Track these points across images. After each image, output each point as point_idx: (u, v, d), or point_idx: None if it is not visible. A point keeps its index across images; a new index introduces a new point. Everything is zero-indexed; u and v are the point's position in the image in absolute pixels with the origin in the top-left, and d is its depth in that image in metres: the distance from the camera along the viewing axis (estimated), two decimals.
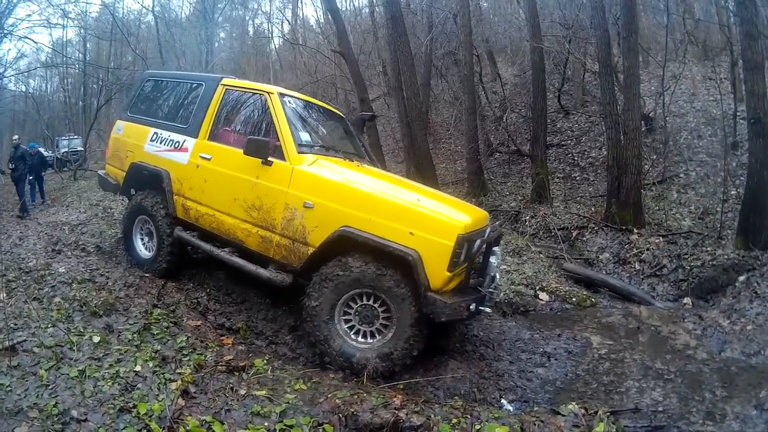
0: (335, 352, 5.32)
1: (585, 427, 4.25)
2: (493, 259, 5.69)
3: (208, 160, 6.52)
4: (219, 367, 4.74)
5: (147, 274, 7.06)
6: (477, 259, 5.54)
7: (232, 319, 6.49)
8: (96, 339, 4.81)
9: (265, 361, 5.13)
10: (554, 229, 13.20)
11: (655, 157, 15.83)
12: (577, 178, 16.90)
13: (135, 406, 3.76)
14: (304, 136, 6.19)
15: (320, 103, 7.59)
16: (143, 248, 7.57)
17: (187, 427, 3.61)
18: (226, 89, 6.85)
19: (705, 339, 7.29)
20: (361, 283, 5.19)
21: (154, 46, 35.34)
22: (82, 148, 30.50)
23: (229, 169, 6.22)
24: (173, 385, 4.14)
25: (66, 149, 31.14)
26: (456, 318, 5.00)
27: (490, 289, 5.57)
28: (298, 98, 6.81)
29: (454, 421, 4.06)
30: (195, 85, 7.32)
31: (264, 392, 4.30)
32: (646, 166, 14.71)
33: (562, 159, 18.21)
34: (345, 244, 5.25)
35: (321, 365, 5.40)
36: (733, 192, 12.10)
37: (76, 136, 34.42)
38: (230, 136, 6.62)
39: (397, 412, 4.03)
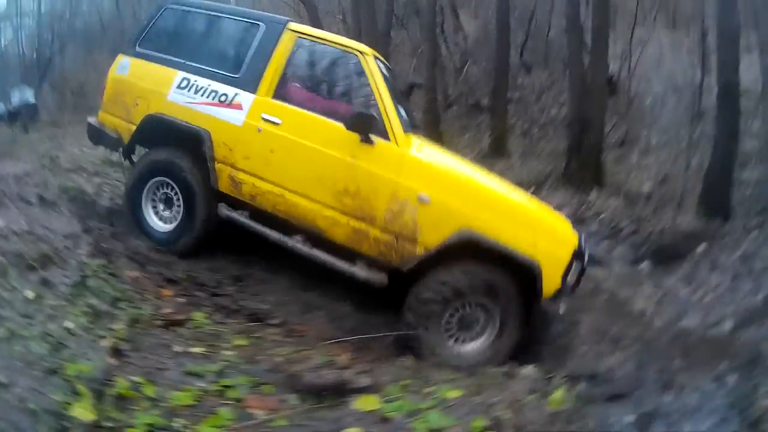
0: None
1: (542, 391, 4.09)
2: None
3: (277, 124, 5.35)
4: (155, 322, 4.37)
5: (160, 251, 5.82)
6: None
7: (172, 269, 5.67)
8: (30, 295, 4.14)
9: (204, 315, 4.75)
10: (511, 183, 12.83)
11: (616, 119, 15.69)
12: (536, 135, 16.67)
13: (64, 367, 3.29)
14: (401, 111, 5.61)
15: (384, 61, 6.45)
16: (157, 220, 6.01)
17: (117, 389, 3.22)
18: (298, 37, 5.64)
19: (663, 306, 7.06)
20: (478, 293, 4.88)
21: None
22: (34, 101, 29.06)
23: (312, 141, 5.21)
24: (104, 343, 3.72)
25: (18, 101, 29.73)
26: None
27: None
28: (377, 57, 5.81)
29: (404, 382, 3.89)
30: (246, 24, 5.90)
31: (201, 349, 4.02)
32: (608, 128, 14.60)
33: (521, 115, 17.98)
34: (464, 247, 4.82)
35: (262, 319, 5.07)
36: (694, 161, 11.97)
37: (28, 88, 32.86)
38: (304, 98, 5.59)
39: (341, 371, 3.87)
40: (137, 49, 6.18)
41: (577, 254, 4.94)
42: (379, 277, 5.09)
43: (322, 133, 5.19)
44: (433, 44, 17.93)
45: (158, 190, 5.99)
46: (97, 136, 6.32)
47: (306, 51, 5.72)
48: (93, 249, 5.41)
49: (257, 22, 5.82)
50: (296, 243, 5.29)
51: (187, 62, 5.88)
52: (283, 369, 3.83)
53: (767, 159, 12.03)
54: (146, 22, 6.43)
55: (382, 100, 5.17)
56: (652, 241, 9.56)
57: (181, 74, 5.82)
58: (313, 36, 5.65)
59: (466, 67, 20.05)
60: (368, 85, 5.28)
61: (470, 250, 4.81)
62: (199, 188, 5.66)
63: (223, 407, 3.25)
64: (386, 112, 5.12)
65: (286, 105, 5.41)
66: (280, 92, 5.50)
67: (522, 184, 12.23)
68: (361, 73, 5.36)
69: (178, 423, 3.01)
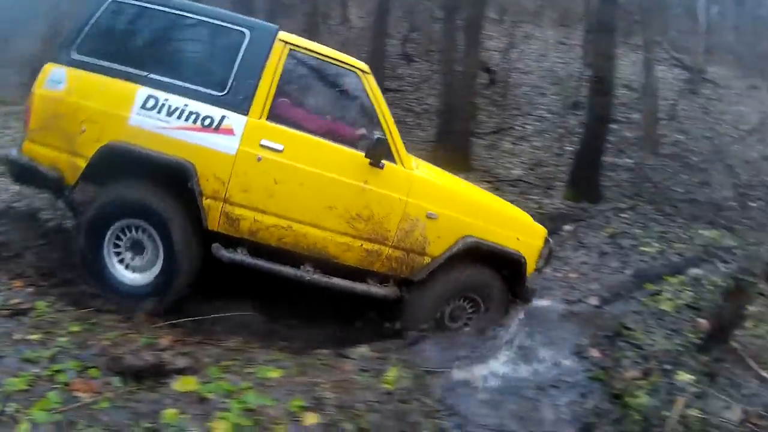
0: None
1: (375, 371, 4.19)
2: None
3: (279, 152, 4.69)
4: (2, 312, 4.13)
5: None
6: None
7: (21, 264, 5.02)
8: None
9: (48, 303, 4.39)
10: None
11: (494, 108, 15.99)
12: (411, 123, 16.61)
13: None
14: None
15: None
16: (124, 270, 4.81)
17: None
18: (291, 50, 4.84)
19: None
20: (472, 288, 5.35)
21: None
22: None
23: (322, 169, 4.75)
24: None
25: None
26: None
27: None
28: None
29: (225, 363, 3.87)
30: (225, 29, 4.85)
31: (38, 336, 3.84)
32: (483, 117, 14.99)
33: (397, 104, 17.87)
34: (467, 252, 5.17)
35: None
36: (568, 148, 12.29)
37: None
38: (303, 119, 4.97)
39: (161, 353, 3.78)
40: (74, 55, 4.65)
41: (546, 241, 5.59)
42: (393, 291, 5.11)
43: (331, 160, 4.79)
44: (312, 34, 17.44)
45: (123, 233, 4.75)
46: (26, 174, 4.81)
47: (300, 66, 5.05)
48: None
49: (240, 28, 4.82)
50: (311, 275, 4.85)
51: (151, 75, 4.66)
52: (109, 352, 3.69)
53: (645, 147, 12.91)
54: (84, 18, 4.77)
55: (386, 122, 4.94)
56: None
57: (145, 90, 4.59)
58: (309, 49, 4.91)
59: None
60: (370, 104, 4.97)
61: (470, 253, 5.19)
62: (184, 233, 4.66)
63: (52, 391, 3.22)
64: (391, 133, 4.94)
65: (287, 129, 4.73)
66: (276, 113, 4.76)
67: None
68: (361, 91, 5.00)
69: (11, 408, 3.02)
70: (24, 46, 22.67)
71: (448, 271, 5.14)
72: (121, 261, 4.73)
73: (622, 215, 9.52)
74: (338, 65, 4.96)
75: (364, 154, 4.72)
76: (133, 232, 4.70)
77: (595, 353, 5.04)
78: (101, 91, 4.54)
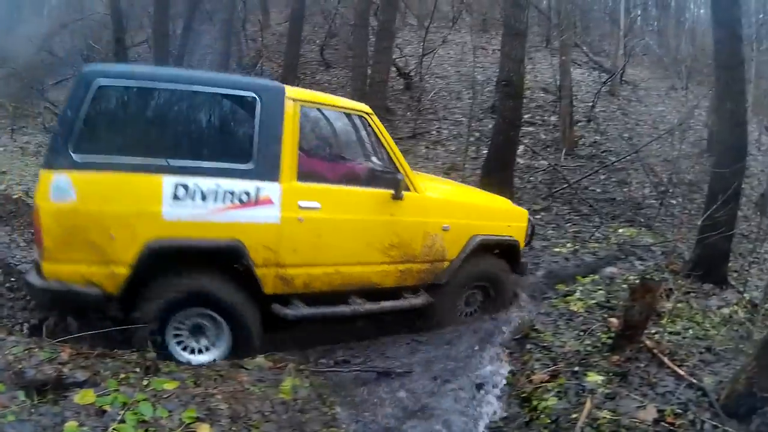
0: None
1: (272, 381, 4.22)
2: None
3: (317, 209, 4.89)
4: None
5: None
6: None
7: None
8: None
9: None
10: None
11: (409, 114, 15.95)
12: None
13: None
14: None
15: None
16: (188, 354, 4.67)
17: None
18: (302, 106, 4.90)
19: None
20: (484, 277, 6.06)
21: None
22: None
23: (356, 214, 5.17)
24: None
25: None
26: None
27: None
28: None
29: (123, 376, 3.77)
30: (233, 98, 4.66)
31: None
32: (398, 122, 15.04)
33: None
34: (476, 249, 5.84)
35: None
36: (485, 152, 12.01)
37: None
38: (327, 170, 5.36)
39: (61, 366, 3.69)
40: (75, 157, 4.14)
41: (529, 220, 6.41)
42: (426, 297, 5.63)
43: (362, 203, 5.19)
44: (227, 40, 18.38)
45: (181, 323, 4.60)
46: (62, 300, 4.32)
47: (312, 119, 5.51)
48: None
49: (249, 94, 4.65)
50: (364, 306, 5.31)
51: (171, 161, 4.36)
52: (13, 367, 3.63)
53: (562, 148, 13.21)
54: (71, 111, 4.21)
55: (395, 156, 5.30)
56: None
57: (170, 179, 4.32)
58: (316, 102, 5.21)
59: (260, 62, 19.90)
60: (380, 143, 5.38)
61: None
62: (247, 307, 4.69)
63: None
64: (403, 167, 5.32)
65: (318, 185, 4.99)
66: (304, 171, 4.92)
67: None
68: (371, 132, 5.44)
69: None
70: None
71: (464, 267, 5.77)
72: (184, 346, 4.63)
73: (536, 217, 9.46)
74: (345, 111, 5.43)
75: (390, 193, 5.17)
76: (190, 318, 4.62)
77: (504, 356, 5.15)
78: (121, 190, 4.24)
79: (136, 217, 4.23)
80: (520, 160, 11.69)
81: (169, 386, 3.76)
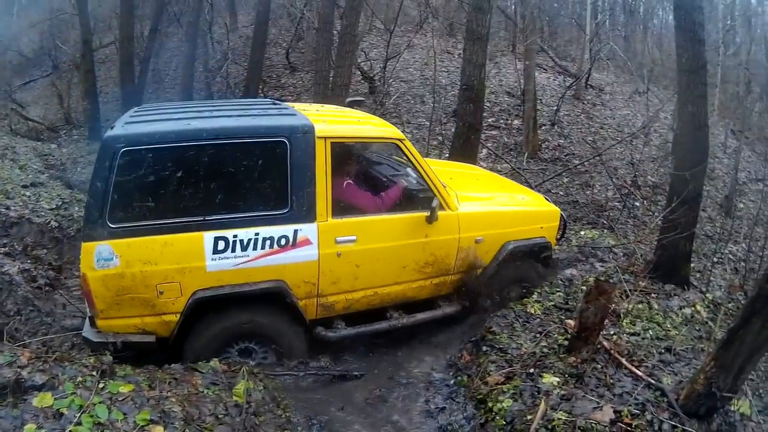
0: None
1: (226, 384, 4.21)
2: None
3: (353, 242, 5.04)
4: None
5: None
6: None
7: None
8: None
9: None
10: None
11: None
12: None
13: None
14: None
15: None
16: None
17: None
18: (332, 143, 4.90)
19: None
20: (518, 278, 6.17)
21: None
22: None
23: (391, 241, 5.28)
24: None
25: None
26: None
27: None
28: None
29: (80, 379, 3.76)
30: (263, 144, 4.61)
31: None
32: None
33: None
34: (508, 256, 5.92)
35: None
36: (447, 155, 11.85)
37: None
38: (361, 202, 5.37)
39: (20, 370, 3.72)
40: (112, 227, 4.26)
41: (561, 218, 6.42)
42: (459, 304, 5.76)
43: (397, 230, 5.27)
44: (193, 42, 18.02)
45: (229, 350, 4.92)
46: (122, 348, 4.45)
47: (343, 155, 5.45)
48: None
49: (278, 139, 4.65)
50: (401, 320, 5.48)
51: (208, 218, 4.49)
52: None
53: (524, 152, 13.36)
54: (99, 181, 4.23)
55: (430, 179, 5.37)
56: None
57: (210, 235, 4.48)
58: (346, 137, 5.24)
59: (226, 64, 19.55)
60: (413, 167, 5.43)
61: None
62: (292, 333, 5.01)
63: None
64: (437, 188, 5.37)
65: (353, 218, 5.09)
66: (338, 207, 5.02)
67: None
68: (403, 158, 5.51)
69: None
70: None
71: (498, 272, 5.87)
72: None
73: None
74: (376, 141, 5.77)
75: (425, 215, 5.23)
76: (241, 345, 4.93)
77: (463, 359, 5.25)
78: (163, 251, 4.38)
79: (181, 274, 4.43)
80: (482, 164, 11.63)
81: (125, 389, 3.79)
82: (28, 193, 8.99)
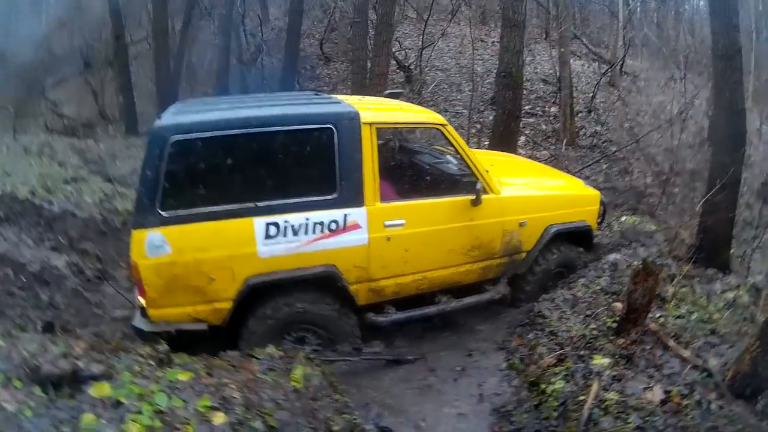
0: None
1: (283, 370, 4.22)
2: None
3: (401, 225, 5.11)
4: None
5: None
6: None
7: None
8: None
9: None
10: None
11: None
12: None
13: None
14: None
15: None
16: None
17: None
18: (377, 128, 5.02)
19: None
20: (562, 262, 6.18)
21: None
22: None
23: (438, 224, 5.32)
24: None
25: None
26: None
27: None
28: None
29: (137, 368, 3.79)
30: (310, 131, 4.72)
31: None
32: None
33: None
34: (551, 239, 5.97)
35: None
36: (486, 143, 12.00)
37: None
38: (408, 187, 5.69)
39: (76, 360, 3.68)
40: (163, 214, 4.36)
41: (601, 202, 6.45)
42: (505, 288, 5.84)
43: (443, 214, 5.29)
44: (227, 35, 18.28)
45: (285, 338, 4.97)
46: (175, 336, 4.52)
47: (389, 140, 5.91)
48: None
49: (325, 126, 4.73)
50: (450, 304, 5.55)
51: (259, 203, 4.57)
52: (29, 363, 3.63)
53: (562, 139, 13.28)
54: (150, 170, 4.34)
55: (473, 164, 5.38)
56: None
57: (260, 221, 4.56)
58: (391, 122, 5.46)
59: (261, 56, 19.81)
60: (456, 152, 5.46)
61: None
62: (344, 318, 5.04)
63: None
64: (480, 173, 5.39)
65: (401, 203, 5.18)
66: (386, 192, 5.14)
67: None
68: (446, 143, 5.54)
69: None
70: None
71: (542, 255, 5.96)
72: None
73: None
74: (420, 127, 5.98)
75: (469, 198, 5.27)
76: (296, 333, 4.99)
77: (514, 342, 5.29)
78: (215, 238, 4.47)
79: (233, 260, 4.52)
80: (521, 151, 11.66)
81: (183, 377, 3.80)
82: (69, 188, 9.28)
